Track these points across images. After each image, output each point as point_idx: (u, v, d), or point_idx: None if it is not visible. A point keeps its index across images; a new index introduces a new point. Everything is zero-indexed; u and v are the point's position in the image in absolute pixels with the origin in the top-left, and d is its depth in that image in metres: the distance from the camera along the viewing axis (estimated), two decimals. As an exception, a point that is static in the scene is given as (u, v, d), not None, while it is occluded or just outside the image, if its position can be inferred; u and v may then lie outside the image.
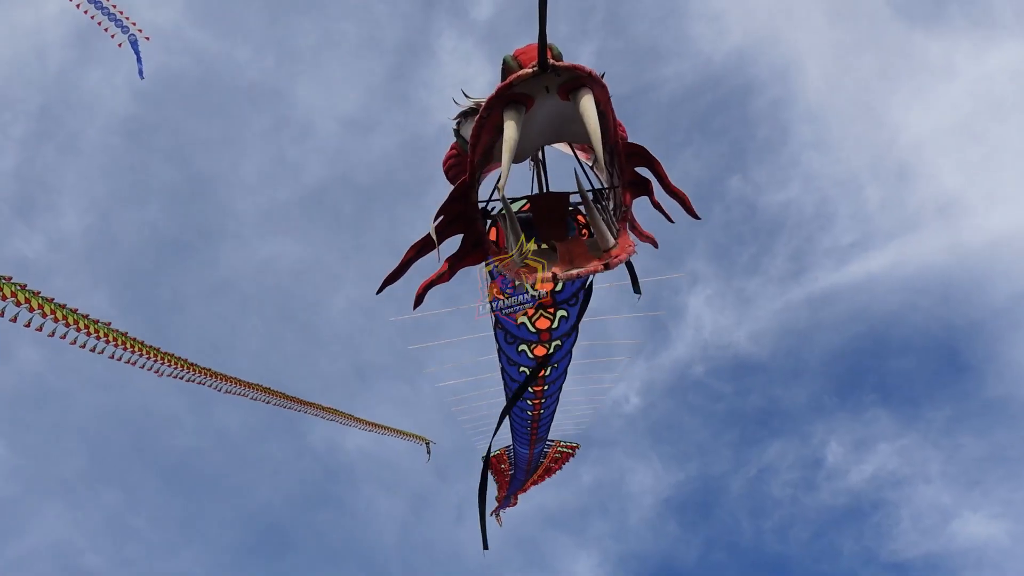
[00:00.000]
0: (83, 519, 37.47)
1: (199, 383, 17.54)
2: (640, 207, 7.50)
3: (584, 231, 7.63)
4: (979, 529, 36.60)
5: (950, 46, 41.08)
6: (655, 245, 7.96)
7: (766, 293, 43.01)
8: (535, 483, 20.33)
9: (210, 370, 17.56)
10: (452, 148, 7.56)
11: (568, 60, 6.11)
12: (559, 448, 19.11)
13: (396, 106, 45.66)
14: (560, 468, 19.93)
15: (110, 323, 13.89)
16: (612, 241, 6.31)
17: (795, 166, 43.01)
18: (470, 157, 6.40)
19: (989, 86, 40.26)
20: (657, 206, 7.42)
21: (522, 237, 6.28)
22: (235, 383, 18.79)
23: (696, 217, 7.35)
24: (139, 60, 24.83)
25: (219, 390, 18.59)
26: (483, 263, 6.93)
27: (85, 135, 39.82)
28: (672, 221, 7.59)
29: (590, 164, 7.88)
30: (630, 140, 7.53)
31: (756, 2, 43.36)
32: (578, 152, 7.80)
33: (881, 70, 42.57)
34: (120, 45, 24.18)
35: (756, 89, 43.08)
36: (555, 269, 6.01)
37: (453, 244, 7.02)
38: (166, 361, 15.81)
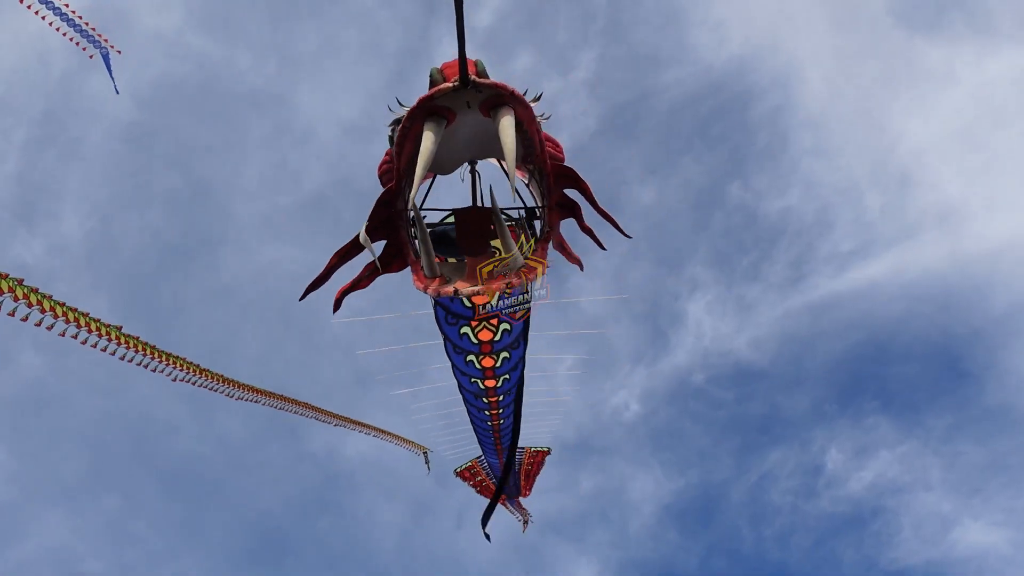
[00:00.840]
0: (83, 524, 36.92)
1: (210, 388, 17.67)
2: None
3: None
4: (980, 537, 35.90)
5: (951, 53, 40.46)
6: (580, 267, 8.09)
7: (766, 300, 42.72)
8: (528, 485, 20.62)
9: (220, 375, 17.76)
10: (386, 154, 7.45)
11: (496, 78, 6.20)
12: (531, 451, 19.45)
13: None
14: (539, 471, 20.25)
15: (121, 327, 14.11)
16: (521, 261, 6.33)
17: (795, 173, 42.68)
18: (395, 165, 6.52)
19: (990, 93, 39.70)
20: (586, 230, 7.53)
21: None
22: (245, 389, 18.93)
23: (627, 236, 7.42)
24: (111, 75, 24.58)
25: (230, 396, 18.64)
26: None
27: (87, 140, 39.60)
28: (603, 248, 7.72)
29: (525, 182, 7.93)
30: (567, 161, 7.61)
31: (756, 10, 42.93)
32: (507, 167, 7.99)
33: (882, 77, 42.14)
34: (91, 57, 23.97)
35: (756, 96, 42.72)
36: (458, 284, 6.11)
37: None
38: (177, 365, 16.02)
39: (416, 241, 6.62)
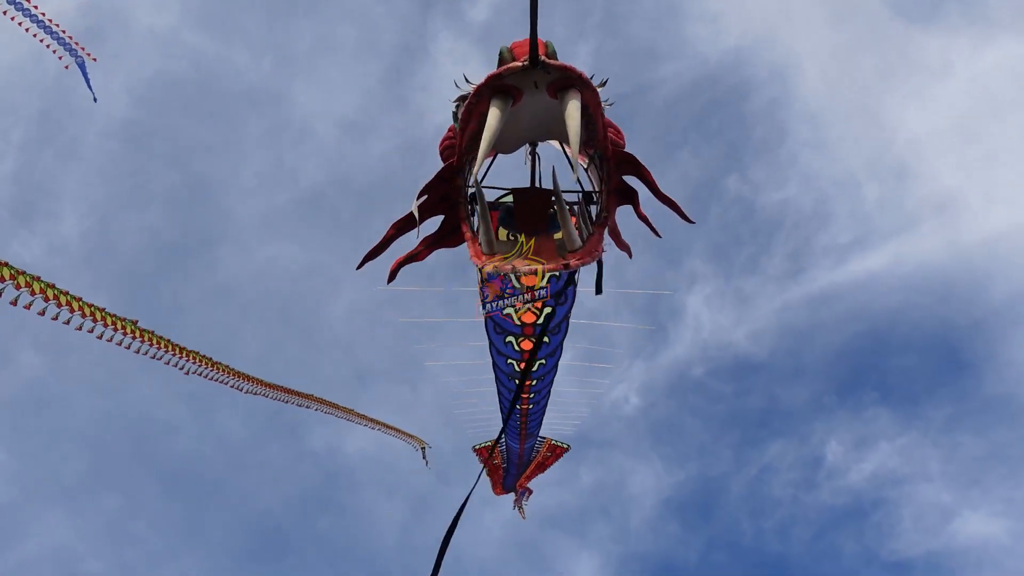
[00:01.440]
0: (83, 524, 36.39)
1: (221, 382, 17.49)
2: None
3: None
4: (979, 528, 35.85)
5: (947, 45, 40.30)
6: (629, 255, 7.87)
7: (765, 292, 42.24)
8: (530, 477, 20.32)
9: (232, 368, 17.51)
10: (449, 131, 7.30)
11: (565, 60, 6.00)
12: (551, 444, 19.14)
13: (394, 109, 44.15)
14: (553, 463, 19.94)
15: (137, 320, 13.95)
16: (579, 243, 6.28)
17: (793, 165, 42.22)
18: (458, 141, 6.41)
19: (986, 84, 39.51)
20: (642, 218, 7.34)
21: (522, 238, 6.34)
22: (255, 382, 18.72)
23: (690, 222, 7.23)
24: (88, 83, 24.16)
25: (240, 389, 18.53)
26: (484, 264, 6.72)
27: (84, 139, 38.87)
28: (659, 235, 7.51)
29: (584, 166, 7.78)
30: (627, 147, 7.40)
31: (753, 2, 42.42)
32: (568, 149, 7.59)
33: (879, 69, 41.74)
34: (67, 67, 23.55)
35: (754, 89, 42.39)
36: (516, 262, 6.02)
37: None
38: (192, 358, 15.77)
39: (475, 217, 6.55)
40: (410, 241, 6.99)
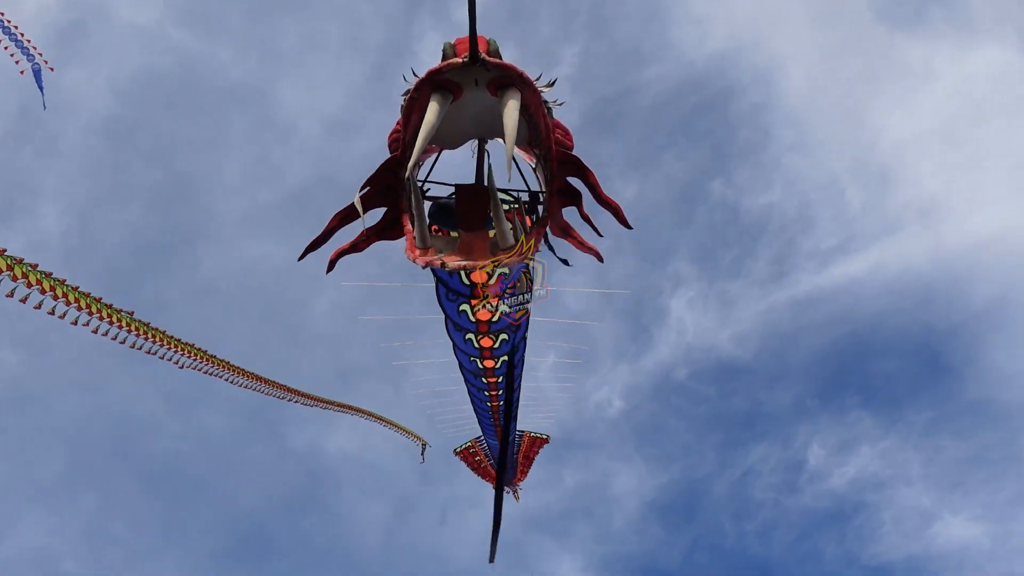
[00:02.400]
0: (61, 524, 35.04)
1: (216, 375, 16.98)
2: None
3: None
4: (960, 531, 35.45)
5: (931, 50, 40.14)
6: (599, 259, 7.72)
7: (749, 295, 41.94)
8: (525, 471, 20.34)
9: (227, 362, 17.06)
10: (397, 124, 7.13)
11: (508, 60, 5.94)
12: (531, 436, 19.20)
13: (379, 107, 41.95)
14: (537, 455, 19.99)
15: (133, 312, 13.46)
16: (511, 242, 6.15)
17: (777, 169, 42.01)
18: (402, 135, 6.32)
19: (969, 89, 39.15)
20: (585, 217, 7.26)
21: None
22: (250, 376, 18.29)
23: (628, 227, 7.11)
24: (41, 90, 23.82)
25: (234, 383, 18.04)
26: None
27: (65, 136, 37.55)
28: (600, 235, 7.41)
29: (532, 166, 7.68)
30: (575, 148, 7.30)
31: (739, 6, 42.06)
32: (520, 152, 7.61)
33: (862, 73, 41.54)
34: (23, 72, 23.29)
35: (738, 92, 42.00)
36: (445, 256, 5.91)
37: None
38: (188, 352, 15.34)
39: (411, 211, 6.41)
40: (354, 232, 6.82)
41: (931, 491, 37.11)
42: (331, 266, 7.00)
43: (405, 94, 6.83)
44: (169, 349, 14.79)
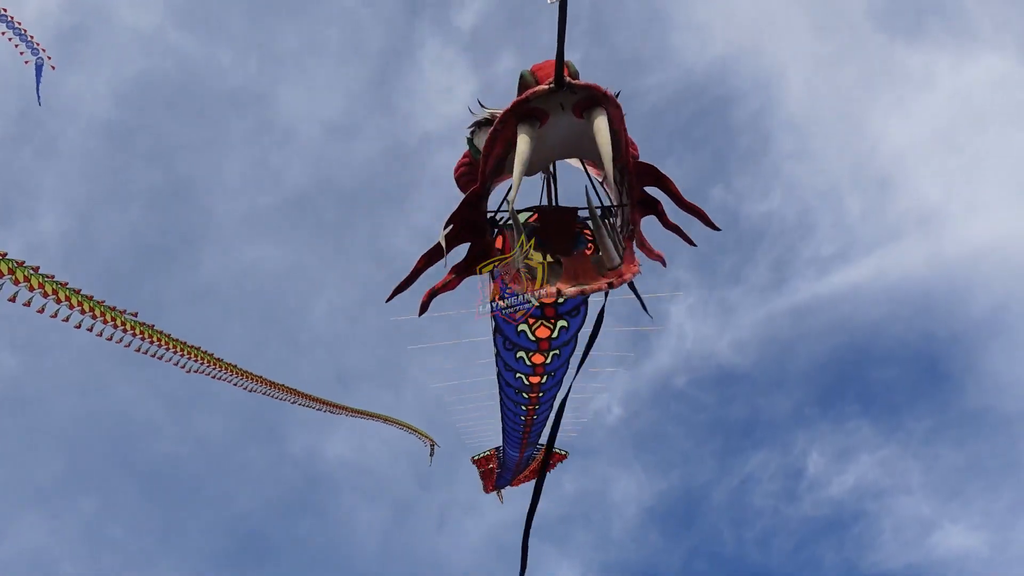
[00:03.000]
0: (59, 527, 34.16)
1: (223, 379, 15.95)
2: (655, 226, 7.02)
3: (591, 246, 7.21)
4: (959, 540, 34.84)
5: (930, 58, 39.47)
6: (663, 263, 7.47)
7: (748, 303, 41.15)
8: (524, 480, 19.51)
9: (235, 366, 16.01)
10: (464, 156, 7.12)
11: (581, 76, 5.75)
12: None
13: (379, 112, 42.24)
14: (552, 468, 19.15)
15: (136, 313, 12.66)
16: (617, 260, 6.01)
17: (777, 176, 41.17)
18: (482, 167, 6.10)
19: (968, 97, 38.65)
20: (671, 227, 7.02)
21: (522, 238, 6.00)
22: (259, 381, 17.27)
23: (716, 229, 6.84)
24: (38, 84, 23.66)
25: (243, 387, 16.99)
26: (482, 264, 6.54)
27: (65, 138, 36.75)
28: (693, 244, 7.13)
29: (600, 180, 7.49)
30: (641, 159, 7.05)
31: (739, 13, 41.27)
32: (589, 168, 7.42)
33: (862, 81, 40.69)
34: (27, 63, 23.20)
35: (738, 99, 41.23)
36: (560, 284, 5.71)
37: (460, 252, 6.60)
38: (193, 356, 14.40)
39: (514, 241, 6.20)
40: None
41: (930, 499, 36.61)
42: (424, 308, 6.68)
43: (473, 127, 6.86)
44: (176, 353, 13.94)
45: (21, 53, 22.85)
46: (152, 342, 13.25)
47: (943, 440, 37.45)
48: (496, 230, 6.80)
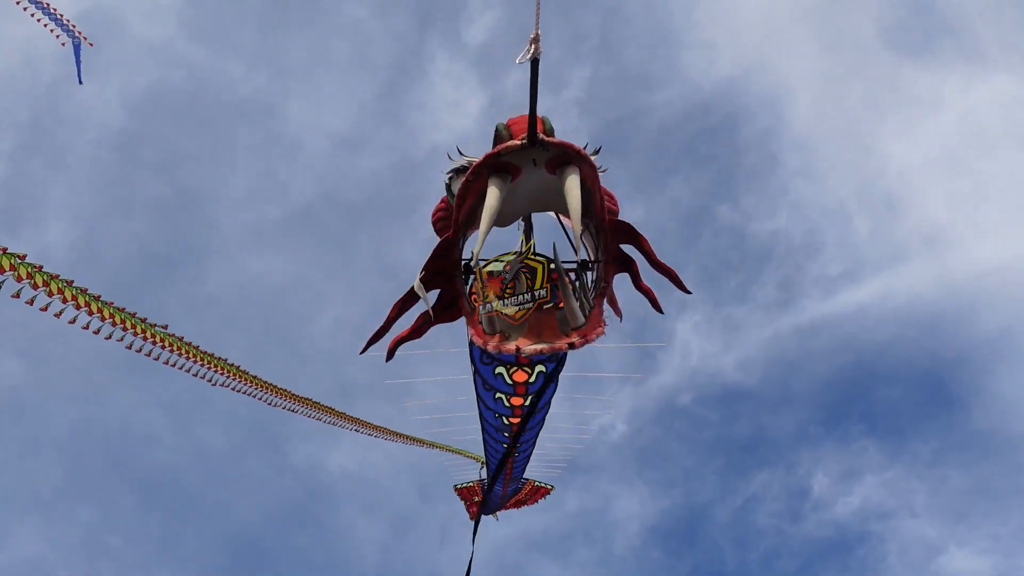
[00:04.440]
0: (58, 536, 33.30)
1: (249, 394, 14.55)
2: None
3: (560, 302, 6.78)
4: (965, 564, 33.38)
5: (938, 79, 38.47)
6: (620, 318, 7.32)
7: (754, 321, 39.99)
8: (507, 508, 18.75)
9: (265, 381, 14.69)
10: (442, 202, 7.03)
11: (558, 127, 5.62)
12: (535, 485, 17.69)
13: (387, 125, 41.20)
14: (533, 504, 18.43)
15: (167, 326, 11.68)
16: (582, 319, 5.67)
17: (784, 195, 40.23)
18: (455, 216, 5.97)
19: (976, 119, 37.49)
20: (643, 289, 6.77)
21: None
22: (290, 398, 15.83)
23: (687, 292, 6.59)
24: (78, 63, 23.36)
25: (269, 403, 15.52)
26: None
27: (74, 148, 36.23)
28: (661, 312, 6.88)
29: (578, 235, 7.14)
30: (619, 212, 6.90)
31: (747, 32, 40.58)
32: (564, 221, 7.24)
33: (870, 101, 39.84)
34: (63, 44, 23.02)
35: (745, 117, 40.62)
36: (519, 342, 5.47)
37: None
38: (218, 368, 13.22)
39: (480, 294, 5.86)
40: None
41: (936, 522, 35.00)
42: (390, 355, 6.50)
43: (451, 172, 6.68)
44: (198, 364, 12.69)
45: (57, 36, 22.75)
46: (164, 347, 12.42)
47: (949, 462, 35.95)
48: (473, 276, 6.49)
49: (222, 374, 13.54)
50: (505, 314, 5.49)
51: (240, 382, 14.01)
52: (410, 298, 6.15)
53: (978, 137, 37.81)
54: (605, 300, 6.55)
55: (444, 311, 6.33)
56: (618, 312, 7.27)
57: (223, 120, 39.90)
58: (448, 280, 6.26)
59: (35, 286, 8.93)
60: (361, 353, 6.32)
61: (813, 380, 39.75)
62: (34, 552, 32.14)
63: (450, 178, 6.70)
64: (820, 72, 40.89)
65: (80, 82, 23.74)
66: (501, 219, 6.37)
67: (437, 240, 6.26)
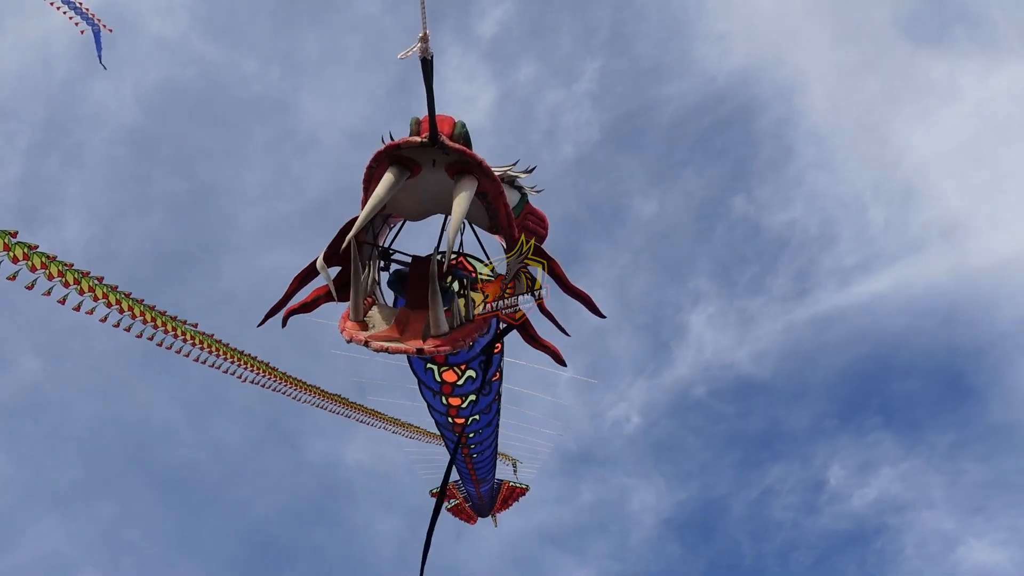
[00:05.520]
0: (78, 531, 32.44)
1: (280, 391, 14.74)
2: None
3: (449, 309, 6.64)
4: (984, 556, 31.60)
5: (955, 68, 36.44)
6: (566, 334, 6.77)
7: (769, 313, 38.70)
8: (498, 510, 18.84)
9: (296, 378, 14.85)
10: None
11: (464, 137, 5.39)
12: (509, 486, 17.76)
13: (400, 120, 41.66)
14: (516, 502, 18.55)
15: (197, 324, 12.07)
16: (444, 328, 5.55)
17: (799, 186, 38.72)
18: (362, 199, 5.84)
19: (993, 108, 35.55)
20: (545, 313, 6.50)
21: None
22: (321, 396, 15.87)
23: (601, 316, 6.39)
24: (99, 49, 23.34)
25: (297, 399, 15.66)
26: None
27: (90, 146, 35.15)
28: (567, 335, 6.60)
29: (451, 245, 7.18)
30: (548, 236, 6.77)
31: (760, 23, 39.04)
32: (479, 229, 6.93)
33: (885, 91, 38.29)
34: (83, 32, 22.97)
35: (760, 109, 39.03)
36: (372, 335, 5.41)
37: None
38: (249, 366, 13.47)
39: (352, 282, 5.88)
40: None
41: (954, 514, 33.29)
42: (284, 323, 6.49)
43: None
44: (228, 360, 12.93)
45: (76, 23, 22.78)
46: (187, 341, 12.15)
47: (967, 454, 34.19)
48: (372, 261, 6.50)
49: (246, 368, 13.56)
50: (478, 313, 5.44)
51: (264, 376, 14.06)
52: (311, 272, 6.14)
53: (995, 126, 36.14)
54: (493, 321, 6.27)
55: (340, 291, 6.19)
56: (561, 329, 6.80)
57: (237, 116, 39.02)
58: (348, 261, 6.05)
59: (50, 276, 9.14)
60: (259, 326, 6.29)
61: (829, 372, 38.37)
62: (55, 547, 31.78)
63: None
64: (835, 62, 39.36)
65: (104, 67, 23.85)
66: (409, 212, 6.36)
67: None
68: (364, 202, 5.79)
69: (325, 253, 5.97)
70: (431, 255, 6.67)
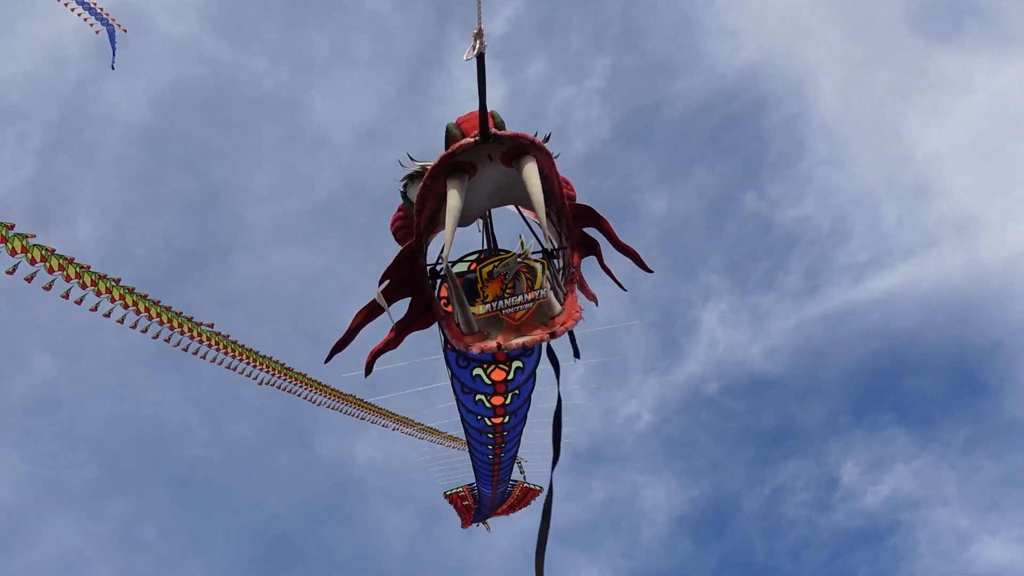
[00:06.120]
0: (92, 529, 32.13)
1: (298, 395, 14.24)
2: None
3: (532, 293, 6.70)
4: (998, 553, 30.96)
5: (966, 62, 35.96)
6: (595, 303, 7.08)
7: (780, 310, 37.81)
8: (500, 515, 18.46)
9: (315, 381, 14.41)
10: (399, 210, 6.77)
11: (511, 123, 5.39)
12: (524, 487, 17.43)
13: (409, 118, 38.60)
14: (526, 505, 18.18)
15: (213, 324, 11.58)
16: (559, 307, 5.47)
17: (810, 182, 37.91)
18: (416, 222, 5.75)
19: (1006, 102, 35.24)
20: (606, 270, 6.60)
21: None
22: (340, 399, 15.30)
23: (648, 271, 6.46)
24: (113, 49, 22.88)
25: (315, 403, 15.03)
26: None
27: (102, 146, 34.60)
28: (625, 289, 6.69)
29: (544, 224, 7.10)
30: (577, 196, 6.60)
31: (771, 18, 38.51)
32: (526, 213, 6.94)
33: (897, 86, 37.54)
34: (97, 32, 22.47)
35: (770, 104, 38.27)
36: (500, 338, 5.25)
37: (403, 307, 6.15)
38: (266, 367, 12.99)
39: (451, 298, 5.75)
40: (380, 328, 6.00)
41: (968, 511, 32.76)
42: (368, 368, 6.26)
43: (405, 179, 6.44)
44: (245, 362, 12.38)
45: (91, 24, 22.34)
46: (202, 341, 11.54)
47: (981, 451, 33.64)
48: (439, 280, 6.35)
49: (262, 369, 13.14)
50: (479, 314, 5.30)
51: (280, 377, 13.61)
52: (374, 308, 5.90)
53: (1007, 120, 35.64)
54: (576, 286, 6.30)
55: (417, 318, 6.07)
56: (591, 297, 6.98)
57: (247, 115, 38.19)
58: (417, 287, 6.02)
59: (68, 278, 8.77)
60: (326, 362, 6.11)
61: (841, 369, 37.57)
62: (69, 546, 31.41)
63: (405, 185, 6.47)
64: (846, 57, 38.71)
65: (113, 67, 23.30)
66: (464, 219, 6.20)
67: (399, 248, 5.99)
68: (419, 225, 5.71)
69: (386, 288, 5.77)
70: (495, 250, 6.64)
